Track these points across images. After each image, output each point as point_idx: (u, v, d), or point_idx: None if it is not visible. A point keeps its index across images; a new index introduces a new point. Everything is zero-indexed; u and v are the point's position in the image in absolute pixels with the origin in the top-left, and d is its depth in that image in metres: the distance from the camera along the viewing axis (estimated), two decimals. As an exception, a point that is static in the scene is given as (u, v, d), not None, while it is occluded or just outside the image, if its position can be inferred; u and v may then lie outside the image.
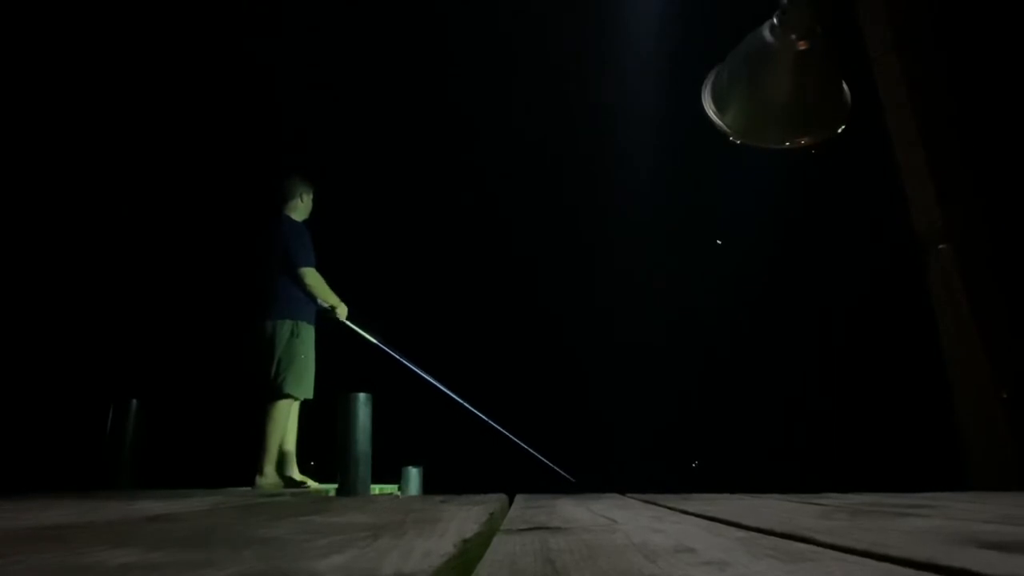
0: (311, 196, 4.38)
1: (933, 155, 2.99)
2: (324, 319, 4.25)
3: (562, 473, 6.32)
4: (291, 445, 4.04)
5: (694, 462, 10.04)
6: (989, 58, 3.21)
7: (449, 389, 5.14)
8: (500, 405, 5.83)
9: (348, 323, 4.33)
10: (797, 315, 9.11)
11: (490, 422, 5.49)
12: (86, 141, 6.94)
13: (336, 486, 4.07)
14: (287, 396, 3.96)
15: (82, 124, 6.87)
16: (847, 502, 1.44)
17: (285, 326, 4.03)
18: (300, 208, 4.31)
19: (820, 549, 0.73)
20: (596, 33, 9.21)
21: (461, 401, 5.23)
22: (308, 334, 4.12)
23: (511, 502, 1.83)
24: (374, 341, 4.52)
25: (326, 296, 4.19)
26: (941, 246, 2.88)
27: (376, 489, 4.86)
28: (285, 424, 3.98)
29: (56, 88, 6.70)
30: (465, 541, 0.83)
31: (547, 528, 1.02)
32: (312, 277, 4.10)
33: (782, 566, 0.63)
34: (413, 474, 6.28)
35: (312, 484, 4.00)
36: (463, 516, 1.21)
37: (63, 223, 6.75)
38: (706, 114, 2.96)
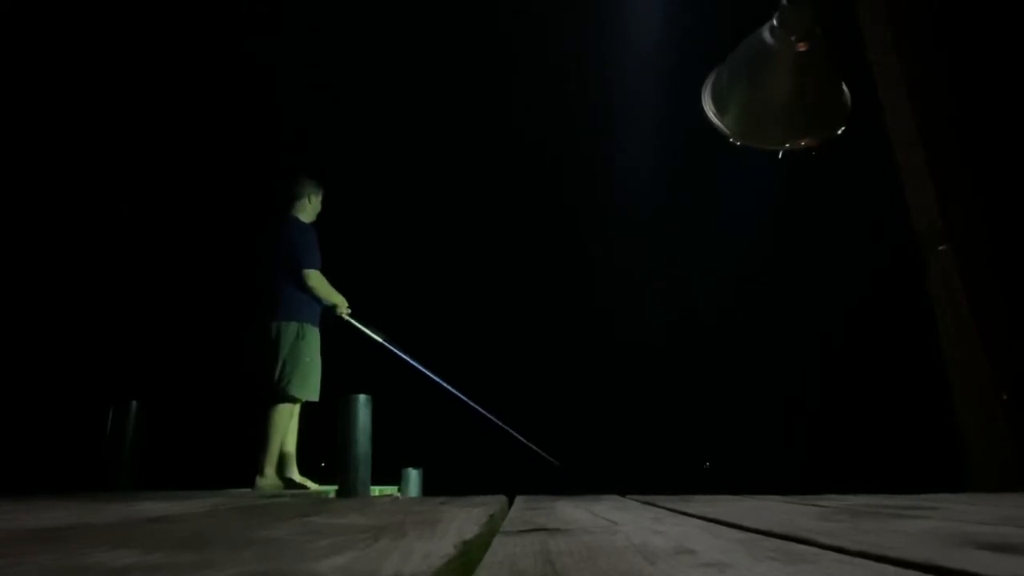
0: (320, 198, 4.32)
1: (933, 155, 2.98)
2: (327, 317, 4.23)
3: (545, 456, 6.23)
4: (291, 447, 4.02)
5: (705, 463, 10.05)
6: (989, 58, 3.21)
7: (447, 387, 5.13)
8: (500, 405, 5.82)
9: (351, 320, 4.30)
10: (797, 315, 9.12)
11: (482, 411, 5.45)
12: (87, 142, 6.94)
13: (336, 487, 4.06)
14: (291, 398, 3.94)
15: (83, 125, 6.87)
16: (847, 503, 1.44)
17: (290, 328, 4.00)
18: (308, 209, 4.25)
19: (820, 551, 0.73)
20: (596, 33, 9.21)
21: (458, 394, 5.20)
22: (313, 336, 4.09)
23: (511, 503, 1.83)
24: (378, 339, 4.50)
25: (330, 297, 4.16)
26: (941, 247, 2.87)
27: (376, 490, 4.86)
28: (286, 426, 3.97)
29: (57, 89, 6.70)
30: (465, 542, 0.83)
31: (547, 530, 1.02)
32: (316, 279, 4.06)
33: (782, 567, 0.63)
34: (413, 475, 6.28)
35: (312, 486, 3.99)
36: (463, 517, 1.21)
37: (64, 224, 6.75)
38: (706, 115, 2.95)
